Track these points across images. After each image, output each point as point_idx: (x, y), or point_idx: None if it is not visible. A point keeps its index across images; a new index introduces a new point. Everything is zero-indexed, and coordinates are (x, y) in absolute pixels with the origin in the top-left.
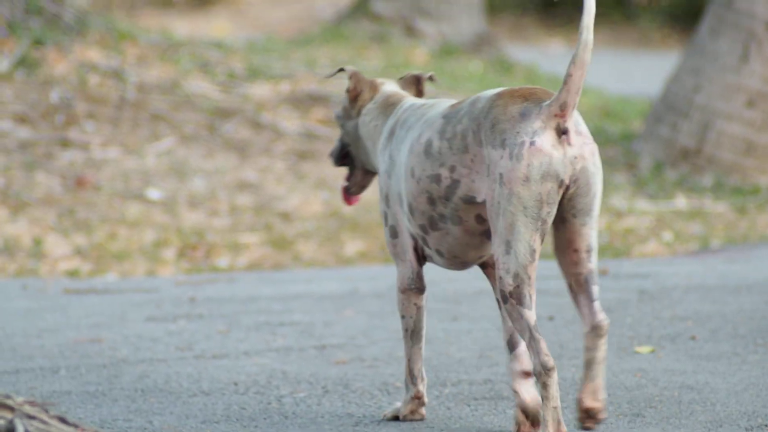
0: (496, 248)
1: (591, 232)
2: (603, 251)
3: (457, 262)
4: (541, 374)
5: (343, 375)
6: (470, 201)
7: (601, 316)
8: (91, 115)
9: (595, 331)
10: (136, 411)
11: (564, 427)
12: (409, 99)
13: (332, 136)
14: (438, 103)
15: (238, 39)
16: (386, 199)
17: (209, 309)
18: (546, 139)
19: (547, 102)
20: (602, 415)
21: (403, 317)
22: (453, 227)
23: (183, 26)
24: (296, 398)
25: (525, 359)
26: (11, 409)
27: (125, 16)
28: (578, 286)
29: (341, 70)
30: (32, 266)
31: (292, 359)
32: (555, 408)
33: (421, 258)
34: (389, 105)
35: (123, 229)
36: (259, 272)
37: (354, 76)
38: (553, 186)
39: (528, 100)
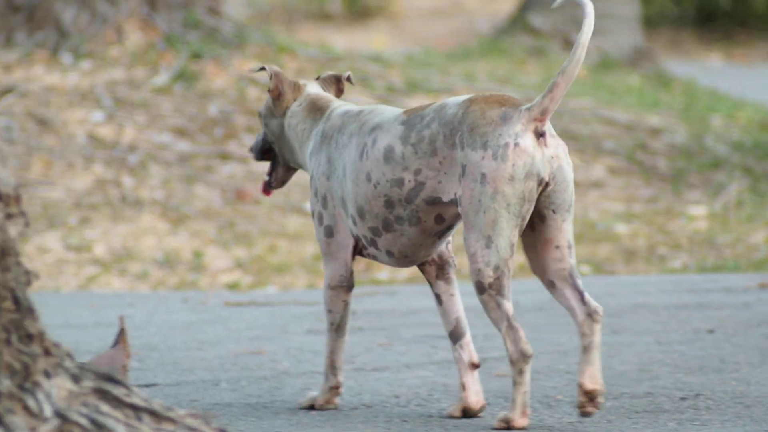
0: (473, 243)
1: (570, 229)
2: (763, 264)
3: (406, 261)
4: (519, 361)
5: (504, 388)
6: (434, 202)
7: (595, 304)
8: (250, 129)
9: (592, 317)
10: (297, 424)
11: (528, 410)
12: (339, 103)
13: None
14: (376, 109)
15: (397, 52)
16: (323, 200)
17: (369, 322)
18: (528, 141)
19: (527, 106)
20: (601, 399)
21: (330, 312)
22: (409, 228)
23: (341, 40)
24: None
25: (471, 349)
26: (173, 421)
27: (284, 29)
28: (563, 281)
29: (262, 68)
30: (192, 279)
31: (453, 372)
32: (525, 392)
33: (355, 256)
34: (317, 109)
35: (283, 241)
36: (419, 285)
37: (276, 76)
38: (534, 184)
39: (504, 105)
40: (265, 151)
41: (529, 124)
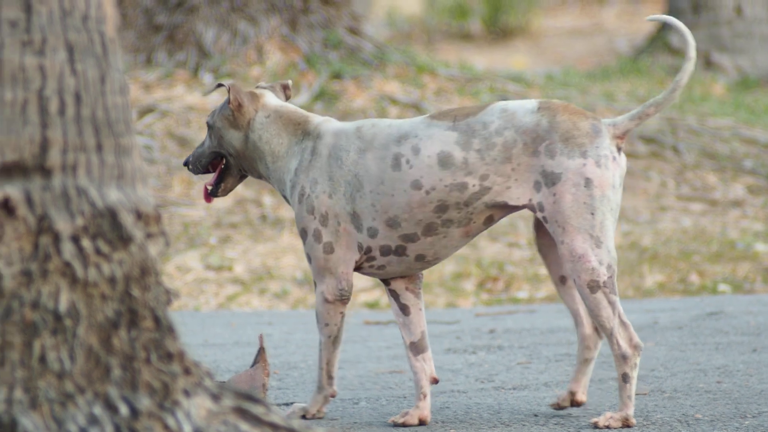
0: (579, 244)
1: None
2: None
3: (429, 265)
4: (633, 356)
5: (643, 407)
6: (497, 205)
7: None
8: None
9: (599, 333)
10: None
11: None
12: (320, 119)
13: (633, 169)
14: (377, 123)
15: (537, 72)
16: (323, 217)
17: (509, 340)
18: (617, 155)
19: (610, 122)
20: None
21: (326, 325)
22: (456, 230)
23: (481, 59)
24: (596, 430)
25: (432, 364)
26: None
27: (424, 49)
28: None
29: (220, 85)
30: None
31: (592, 390)
32: (632, 395)
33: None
34: (293, 123)
35: None
36: (558, 304)
37: (233, 89)
38: (620, 196)
39: (587, 117)
40: (209, 163)
41: (613, 140)
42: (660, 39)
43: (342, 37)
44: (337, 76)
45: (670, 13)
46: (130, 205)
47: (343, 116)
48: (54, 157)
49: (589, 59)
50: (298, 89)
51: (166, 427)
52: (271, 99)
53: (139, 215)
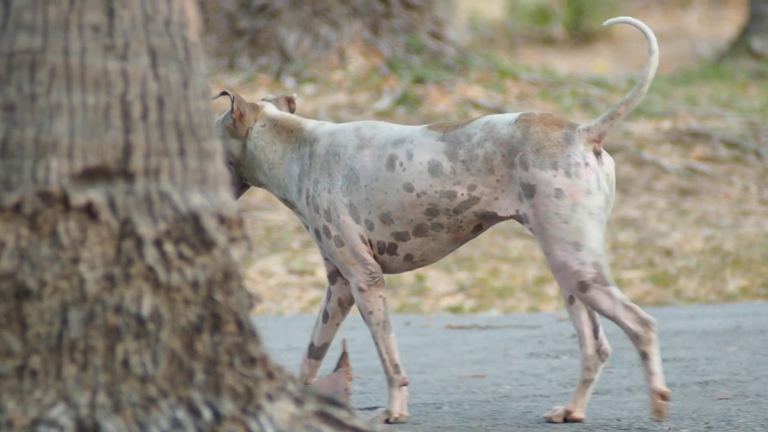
0: (559, 253)
1: None
2: None
3: (416, 266)
4: (646, 332)
5: (726, 411)
6: (486, 216)
7: (607, 344)
8: None
9: (600, 355)
10: None
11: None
12: (314, 123)
13: (715, 173)
14: (377, 124)
15: (619, 76)
16: (327, 213)
17: None
18: (593, 160)
19: (584, 127)
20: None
21: (371, 313)
22: (445, 234)
23: (564, 64)
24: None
25: (317, 370)
26: None
27: (506, 54)
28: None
29: (224, 93)
30: (414, 302)
31: (675, 395)
32: (653, 369)
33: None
34: (287, 130)
35: (506, 265)
36: (641, 308)
37: (236, 99)
38: (604, 199)
39: (562, 126)
40: None
41: (589, 144)
42: (742, 43)
43: (424, 42)
44: (419, 80)
45: (752, 17)
46: (213, 210)
47: (426, 121)
48: (137, 162)
49: (671, 63)
50: (380, 94)
51: (249, 431)
52: (271, 110)
53: (222, 219)
